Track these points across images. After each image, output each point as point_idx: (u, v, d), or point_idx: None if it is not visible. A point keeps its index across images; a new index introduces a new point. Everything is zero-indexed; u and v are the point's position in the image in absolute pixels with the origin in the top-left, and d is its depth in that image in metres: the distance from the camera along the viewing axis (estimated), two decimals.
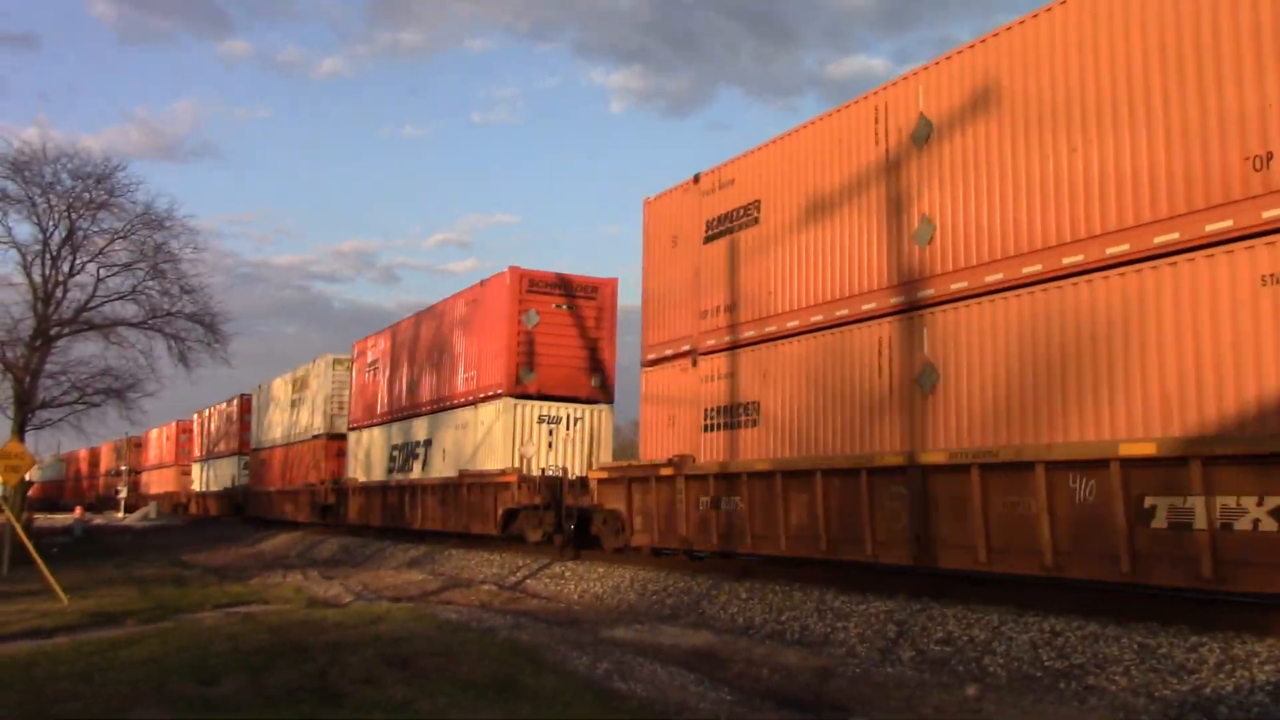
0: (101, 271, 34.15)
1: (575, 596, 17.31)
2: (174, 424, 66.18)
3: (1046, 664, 9.85)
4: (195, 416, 61.09)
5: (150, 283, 34.47)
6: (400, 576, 21.82)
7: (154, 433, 73.22)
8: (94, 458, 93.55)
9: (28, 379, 32.76)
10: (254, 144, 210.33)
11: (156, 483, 71.77)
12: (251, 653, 10.65)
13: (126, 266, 34.39)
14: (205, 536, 41.58)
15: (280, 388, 42.76)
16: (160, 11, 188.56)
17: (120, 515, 68.75)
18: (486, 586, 19.07)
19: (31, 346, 32.77)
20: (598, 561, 19.39)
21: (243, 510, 47.73)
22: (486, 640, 11.38)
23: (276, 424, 42.83)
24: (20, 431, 32.49)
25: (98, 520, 62.76)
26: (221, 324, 35.84)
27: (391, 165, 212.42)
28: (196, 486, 59.50)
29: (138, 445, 77.95)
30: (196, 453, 60.32)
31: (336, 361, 36.37)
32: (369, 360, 33.43)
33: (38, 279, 33.11)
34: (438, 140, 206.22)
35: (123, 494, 72.72)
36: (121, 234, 33.91)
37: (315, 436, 36.97)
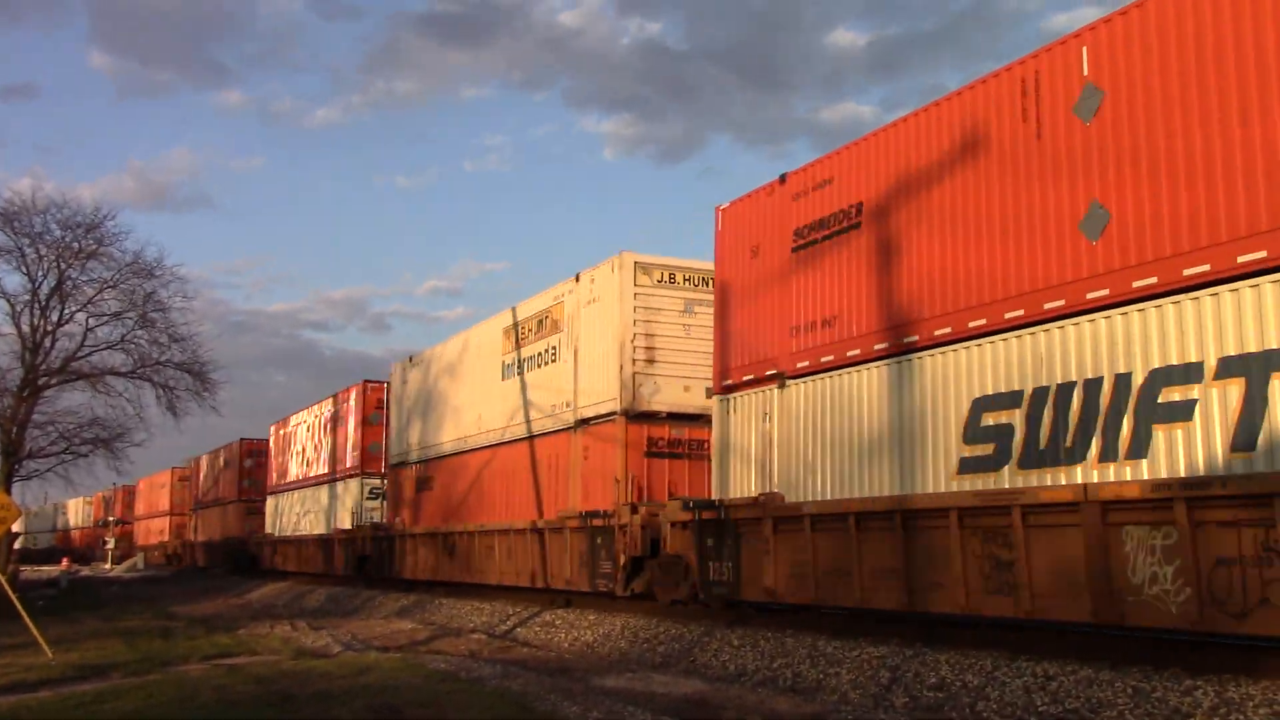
0: (90, 321, 34.17)
1: (566, 645, 17.17)
2: (236, 444, 49.23)
3: (1040, 709, 9.78)
4: (272, 431, 44.19)
5: (139, 332, 34.49)
6: (390, 626, 21.62)
7: (204, 460, 56.09)
8: (128, 497, 77.31)
9: (15, 429, 32.60)
10: (248, 193, 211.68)
11: (205, 526, 54.62)
12: (238, 704, 10.53)
13: (115, 315, 34.41)
14: (193, 587, 41.18)
15: (457, 351, 26.36)
16: (158, 63, 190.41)
17: (108, 566, 68.10)
18: (476, 635, 18.90)
19: (19, 397, 32.64)
20: (588, 609, 19.24)
21: (371, 564, 30.01)
22: (475, 689, 11.27)
23: (458, 416, 25.77)
24: (7, 482, 32.27)
25: (85, 572, 62.12)
26: (211, 372, 35.76)
27: (384, 213, 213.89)
28: (271, 528, 43.01)
29: (184, 479, 61.65)
30: (275, 479, 43.10)
31: (642, 268, 18.94)
32: (811, 225, 14.74)
33: (26, 329, 33.10)
34: (431, 188, 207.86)
35: (110, 544, 71.80)
36: (110, 283, 33.97)
37: (590, 421, 19.66)
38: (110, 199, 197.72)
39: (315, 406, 38.25)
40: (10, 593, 18.09)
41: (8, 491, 29.72)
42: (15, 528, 30.56)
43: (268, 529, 43.58)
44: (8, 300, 33.20)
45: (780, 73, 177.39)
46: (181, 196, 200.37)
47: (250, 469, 47.70)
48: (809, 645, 13.29)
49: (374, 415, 32.74)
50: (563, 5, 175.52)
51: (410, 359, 29.47)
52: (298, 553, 38.18)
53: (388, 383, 32.32)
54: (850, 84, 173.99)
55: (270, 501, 43.91)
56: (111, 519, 76.43)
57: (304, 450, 39.14)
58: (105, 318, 34.37)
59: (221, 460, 51.40)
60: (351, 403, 33.95)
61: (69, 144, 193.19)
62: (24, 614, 16.88)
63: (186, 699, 10.99)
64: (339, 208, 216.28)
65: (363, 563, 30.63)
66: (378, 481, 32.21)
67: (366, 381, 33.41)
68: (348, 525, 32.70)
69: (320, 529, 35.67)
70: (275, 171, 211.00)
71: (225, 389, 48.68)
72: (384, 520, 30.93)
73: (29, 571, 51.29)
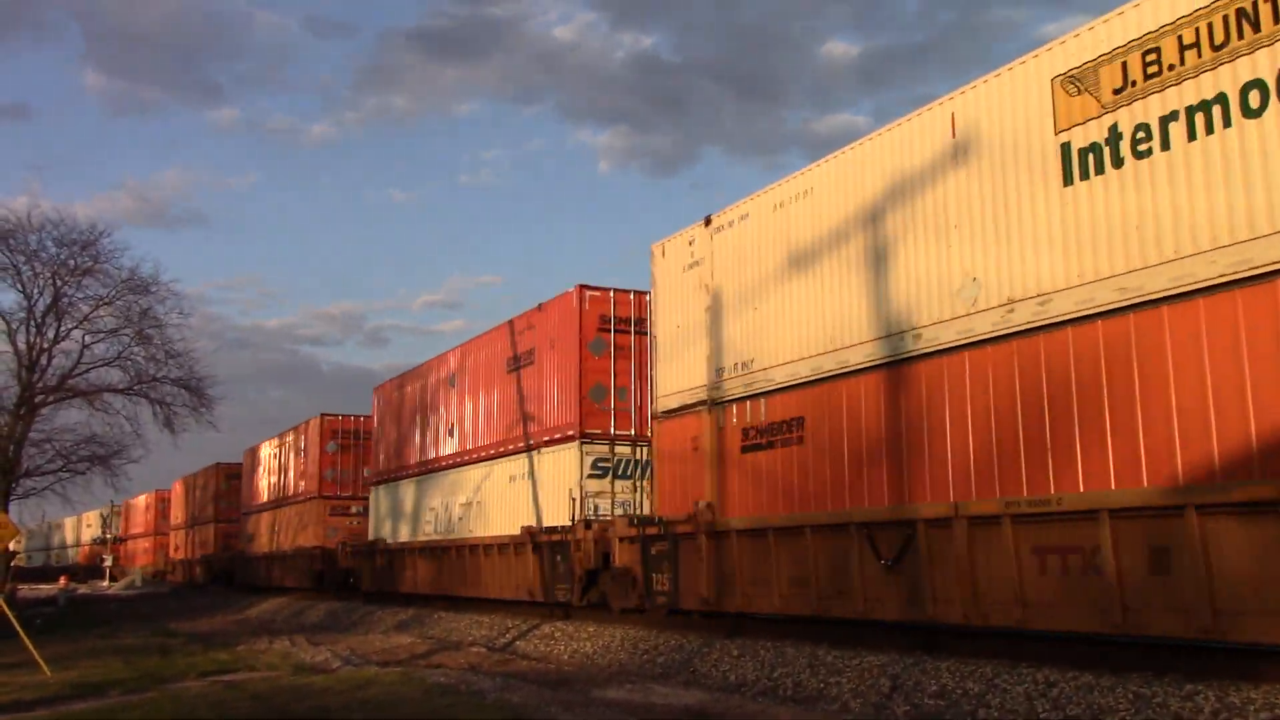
0: (87, 338, 34.18)
1: (565, 657, 17.12)
2: (315, 421, 36.93)
3: (1041, 715, 9.75)
4: (378, 398, 32.42)
5: (136, 348, 34.50)
6: (389, 640, 21.56)
7: (263, 450, 44.36)
8: (160, 504, 65.10)
9: (12, 447, 32.55)
10: (243, 210, 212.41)
11: (266, 533, 42.46)
12: None
13: (112, 332, 34.43)
14: (191, 604, 41.06)
15: (881, 164, 13.34)
16: (151, 81, 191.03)
17: (105, 584, 67.89)
18: (476, 649, 18.86)
19: (16, 415, 32.60)
20: (588, 621, 19.21)
21: (623, 582, 17.98)
22: (476, 703, 11.23)
23: (897, 293, 12.86)
24: (4, 501, 32.19)
25: (82, 590, 61.92)
26: (208, 388, 35.73)
27: (379, 228, 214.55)
28: (383, 532, 30.62)
29: (231, 477, 50.33)
30: (386, 463, 31.17)
31: None
32: None
33: (22, 346, 33.09)
34: (425, 203, 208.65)
35: (108, 563, 71.36)
36: (107, 300, 33.99)
37: None
38: (106, 217, 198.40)
39: (462, 349, 26.34)
40: (7, 611, 18.06)
41: (5, 510, 29.67)
42: (13, 546, 30.47)
43: (375, 533, 31.37)
44: (3, 318, 33.26)
45: (772, 85, 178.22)
46: (177, 214, 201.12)
47: (334, 456, 36.12)
48: (809, 654, 13.26)
49: (596, 341, 20.68)
50: (556, 20, 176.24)
51: (707, 222, 16.56)
52: (447, 565, 25.80)
53: (630, 297, 21.03)
54: (841, 95, 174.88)
55: (380, 495, 31.52)
56: (109, 535, 75.54)
57: (446, 415, 26.93)
58: (101, 334, 34.42)
59: (291, 447, 39.56)
60: (552, 324, 21.61)
61: (63, 163, 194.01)
62: (21, 632, 16.84)
63: (185, 716, 10.95)
64: (333, 224, 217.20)
65: (592, 579, 19.01)
66: (606, 449, 20.39)
67: (583, 288, 20.83)
68: (563, 520, 20.07)
69: (491, 528, 23.39)
70: (270, 188, 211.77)
71: (223, 405, 48.11)
72: (645, 509, 19.15)
73: (26, 590, 51.14)
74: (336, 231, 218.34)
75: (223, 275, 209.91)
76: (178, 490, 60.22)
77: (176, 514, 60.55)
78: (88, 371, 34.33)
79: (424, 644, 20.26)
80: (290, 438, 40.25)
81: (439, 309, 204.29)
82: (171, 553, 61.17)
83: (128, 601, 46.75)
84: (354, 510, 35.27)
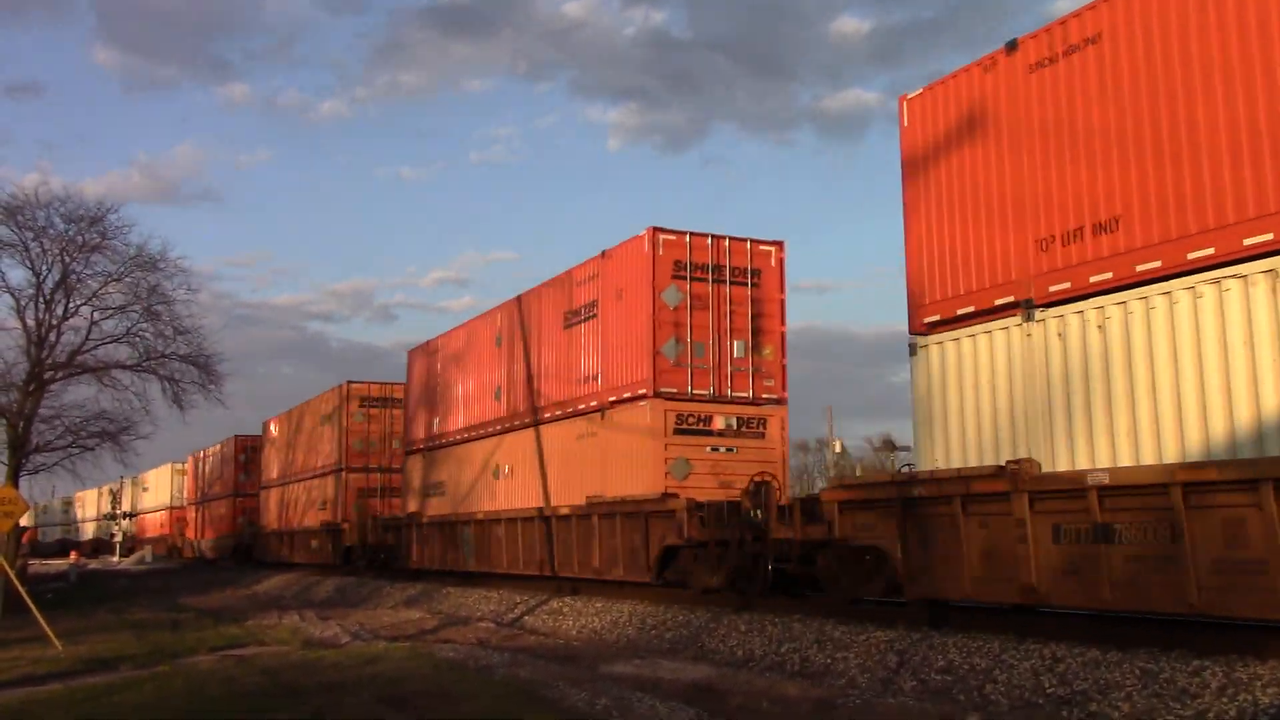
0: (95, 314, 34.09)
1: (574, 632, 17.19)
2: (638, 241, 18.61)
3: (1049, 691, 9.77)
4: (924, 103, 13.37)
5: (144, 325, 34.41)
6: (398, 615, 21.67)
7: (461, 334, 27.14)
8: (243, 456, 48.53)
9: (22, 424, 32.62)
10: (253, 186, 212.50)
11: (464, 484, 26.05)
12: (247, 696, 10.56)
13: (120, 309, 34.33)
14: (201, 580, 41.28)
15: None
16: (163, 58, 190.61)
17: (116, 559, 68.29)
18: (484, 624, 18.94)
19: (25, 391, 32.65)
20: (595, 597, 19.28)
21: None
22: (484, 678, 11.30)
23: None
24: (14, 477, 32.31)
25: (93, 565, 62.32)
26: (216, 364, 35.69)
27: (389, 205, 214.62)
28: (1013, 450, 11.24)
29: (370, 402, 35.14)
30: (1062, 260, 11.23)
31: None
32: None
33: (31, 323, 33.04)
34: (436, 180, 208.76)
35: (118, 537, 71.69)
36: (115, 276, 33.87)
37: None
38: (117, 194, 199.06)
39: None
40: (19, 586, 18.18)
41: (15, 486, 29.80)
42: (24, 521, 30.62)
43: (977, 456, 12.11)
44: (12, 295, 33.19)
45: (783, 61, 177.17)
46: (187, 191, 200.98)
47: (678, 312, 18.34)
48: (816, 630, 13.30)
49: None
50: None
51: None
52: None
53: None
54: (853, 72, 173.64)
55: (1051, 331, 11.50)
56: (119, 511, 75.51)
57: None
58: (110, 311, 34.31)
59: (549, 306, 22.29)
60: None
61: (75, 140, 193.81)
62: (33, 607, 16.94)
63: (195, 691, 11.02)
64: (344, 200, 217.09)
65: None
66: None
67: None
68: None
69: None
70: (280, 165, 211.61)
71: (231, 381, 47.53)
72: None
73: (38, 565, 51.46)
74: (348, 208, 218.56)
75: (233, 252, 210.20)
76: (273, 434, 42.93)
77: (270, 467, 43.16)
78: (96, 348, 34.30)
79: (432, 619, 20.36)
80: (541, 298, 22.66)
81: (450, 285, 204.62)
82: (266, 520, 43.11)
83: (138, 577, 47.02)
84: (723, 426, 18.47)
